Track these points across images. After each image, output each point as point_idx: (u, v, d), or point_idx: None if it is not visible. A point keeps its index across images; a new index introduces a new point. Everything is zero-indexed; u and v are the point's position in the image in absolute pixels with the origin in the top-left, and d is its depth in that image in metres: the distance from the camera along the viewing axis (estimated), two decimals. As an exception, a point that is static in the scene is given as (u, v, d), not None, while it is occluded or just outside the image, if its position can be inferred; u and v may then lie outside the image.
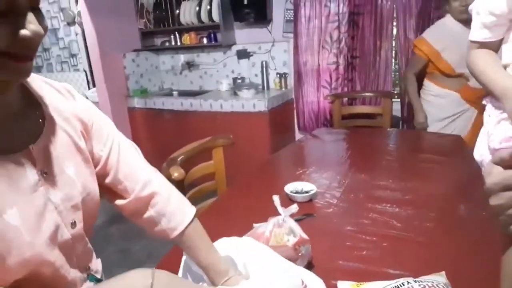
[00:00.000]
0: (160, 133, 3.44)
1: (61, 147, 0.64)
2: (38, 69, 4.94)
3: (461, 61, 1.38)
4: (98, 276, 0.76)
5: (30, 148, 0.58)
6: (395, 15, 2.75)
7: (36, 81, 0.65)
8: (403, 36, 2.72)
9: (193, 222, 0.79)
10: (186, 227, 0.77)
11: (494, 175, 0.44)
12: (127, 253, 2.47)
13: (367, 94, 2.86)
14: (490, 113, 0.99)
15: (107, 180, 0.75)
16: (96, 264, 0.78)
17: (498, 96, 0.91)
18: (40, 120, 0.62)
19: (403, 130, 2.86)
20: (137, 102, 3.49)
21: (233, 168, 2.01)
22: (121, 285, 0.54)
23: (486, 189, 0.44)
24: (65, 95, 0.69)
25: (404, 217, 1.15)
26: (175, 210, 0.79)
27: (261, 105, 2.92)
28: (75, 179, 0.65)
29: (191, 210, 0.81)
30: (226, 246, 0.81)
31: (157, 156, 3.39)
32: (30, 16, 0.49)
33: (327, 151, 2.05)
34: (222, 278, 0.74)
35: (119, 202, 0.77)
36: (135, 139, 3.63)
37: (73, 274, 0.66)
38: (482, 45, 1.02)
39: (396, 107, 2.81)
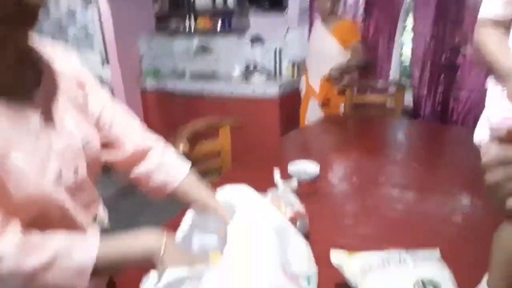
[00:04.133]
0: (170, 115, 3.47)
1: (59, 101, 0.65)
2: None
3: None
4: (105, 224, 0.79)
5: (33, 94, 0.60)
6: (412, 6, 2.70)
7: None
8: (420, 27, 2.67)
9: (189, 175, 0.82)
10: (184, 179, 0.80)
11: (490, 152, 0.42)
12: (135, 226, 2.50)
13: (378, 83, 2.82)
14: (492, 93, 1.01)
15: (103, 134, 0.76)
16: (103, 214, 0.81)
17: (502, 77, 0.93)
18: (38, 74, 0.63)
19: (414, 120, 2.82)
20: (149, 83, 3.52)
21: (241, 152, 2.02)
22: (135, 244, 0.62)
23: (482, 165, 0.42)
24: (60, 54, 0.71)
25: (406, 201, 1.15)
26: (171, 162, 0.82)
27: (273, 92, 2.91)
28: (74, 131, 0.66)
29: (186, 163, 0.84)
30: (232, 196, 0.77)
31: (167, 136, 3.45)
32: None
33: (336, 137, 2.04)
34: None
35: (114, 156, 0.78)
36: (146, 120, 3.67)
37: (82, 218, 0.67)
38: (493, 22, 1.00)
39: (408, 98, 2.76)
